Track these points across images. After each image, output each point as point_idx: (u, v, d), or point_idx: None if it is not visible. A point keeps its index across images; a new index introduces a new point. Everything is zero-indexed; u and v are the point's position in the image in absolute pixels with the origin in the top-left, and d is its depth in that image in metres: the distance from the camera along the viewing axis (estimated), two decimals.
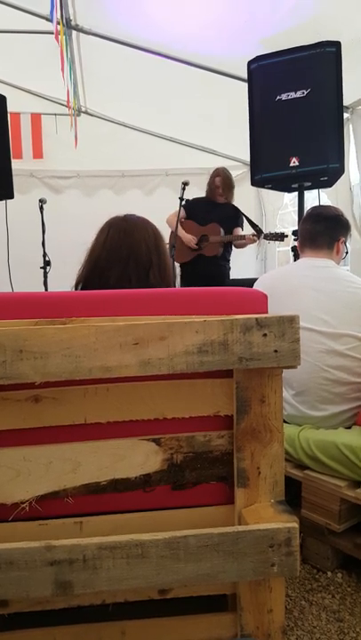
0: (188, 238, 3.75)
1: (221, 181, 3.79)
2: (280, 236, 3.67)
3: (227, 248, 3.90)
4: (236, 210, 3.91)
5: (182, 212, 3.81)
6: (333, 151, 2.46)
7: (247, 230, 3.81)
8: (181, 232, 3.72)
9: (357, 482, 1.53)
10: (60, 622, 0.96)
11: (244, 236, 3.73)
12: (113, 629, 0.96)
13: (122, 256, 1.28)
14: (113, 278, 1.26)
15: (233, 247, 3.95)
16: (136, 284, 1.25)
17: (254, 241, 3.69)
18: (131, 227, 1.32)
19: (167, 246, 1.41)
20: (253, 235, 3.68)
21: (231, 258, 4.03)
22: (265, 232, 3.72)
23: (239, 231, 3.86)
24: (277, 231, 3.73)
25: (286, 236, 3.79)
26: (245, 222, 3.87)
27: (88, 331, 0.84)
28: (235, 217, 3.88)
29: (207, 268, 3.79)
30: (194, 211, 3.82)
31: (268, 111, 2.56)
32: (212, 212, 3.78)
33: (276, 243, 5.30)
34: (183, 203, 3.78)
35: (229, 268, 4.04)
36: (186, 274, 3.92)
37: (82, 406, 0.94)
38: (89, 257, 1.33)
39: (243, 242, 3.77)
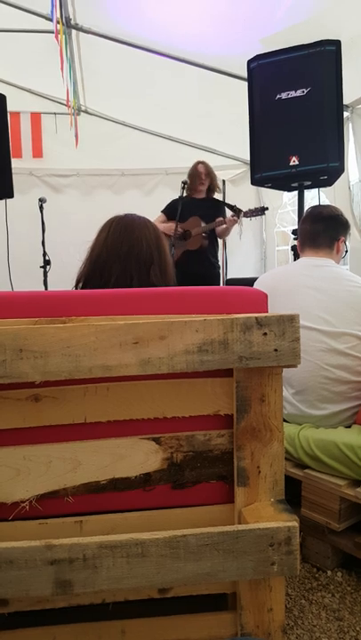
0: (167, 226, 3.65)
1: (204, 168, 3.76)
2: (260, 210, 3.62)
3: (212, 242, 3.82)
4: (215, 201, 3.86)
5: (162, 217, 3.79)
6: (333, 150, 2.46)
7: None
8: (161, 226, 3.69)
9: (357, 481, 1.53)
10: (60, 621, 0.96)
11: (224, 219, 3.66)
12: (113, 628, 0.97)
13: (122, 253, 1.28)
14: (114, 276, 1.26)
15: (218, 240, 3.89)
16: (137, 282, 1.25)
17: (235, 221, 3.62)
18: (131, 225, 1.33)
19: (167, 246, 1.41)
20: (233, 215, 3.62)
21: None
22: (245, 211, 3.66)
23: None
24: (256, 207, 3.69)
25: (267, 208, 3.73)
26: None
27: (88, 330, 0.84)
28: (215, 208, 3.81)
29: (195, 267, 3.70)
30: (174, 211, 3.74)
31: (267, 110, 2.56)
32: (192, 209, 3.69)
33: (276, 242, 5.31)
34: (163, 208, 3.81)
35: (219, 267, 3.97)
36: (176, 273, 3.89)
37: (82, 405, 0.93)
38: (90, 255, 1.33)
39: (224, 226, 3.71)
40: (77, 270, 1.34)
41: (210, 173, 3.79)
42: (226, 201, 4.96)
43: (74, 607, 0.96)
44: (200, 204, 3.76)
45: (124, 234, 1.30)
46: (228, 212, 3.76)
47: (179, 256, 3.72)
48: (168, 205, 3.86)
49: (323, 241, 1.85)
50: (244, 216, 3.62)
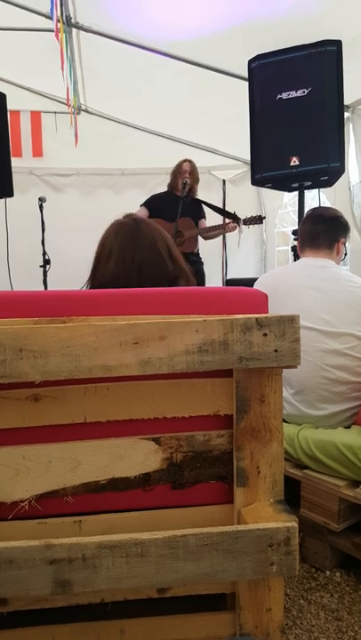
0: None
1: (189, 166, 3.72)
2: (258, 219, 3.58)
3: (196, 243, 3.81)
4: (199, 201, 3.81)
5: (144, 211, 3.71)
6: (334, 150, 2.46)
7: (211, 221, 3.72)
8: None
9: (356, 481, 1.53)
10: (60, 621, 0.96)
11: (224, 225, 3.61)
12: (112, 628, 0.97)
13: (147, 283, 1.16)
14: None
15: (200, 241, 3.86)
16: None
17: (235, 228, 3.58)
18: (144, 231, 1.21)
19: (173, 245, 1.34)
20: (232, 222, 3.58)
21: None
22: (244, 219, 3.62)
23: (204, 223, 3.77)
24: (254, 215, 3.65)
25: (264, 217, 3.68)
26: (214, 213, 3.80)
27: (88, 330, 0.84)
28: (198, 209, 3.78)
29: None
30: (157, 208, 3.68)
31: (268, 110, 2.56)
32: (177, 206, 3.58)
33: (276, 242, 5.31)
34: (142, 202, 3.76)
35: (203, 263, 3.93)
36: None
37: (82, 405, 0.93)
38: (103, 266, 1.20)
39: (219, 231, 3.67)
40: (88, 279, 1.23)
41: (193, 173, 3.75)
42: (225, 202, 4.93)
43: (73, 607, 0.96)
44: (185, 203, 3.65)
45: (141, 268, 1.17)
46: (209, 212, 3.71)
47: None
48: (149, 200, 3.80)
49: (323, 242, 1.86)
50: (243, 224, 3.58)
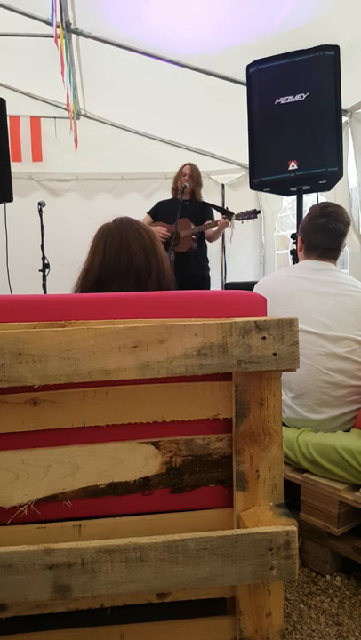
0: (157, 229, 3.63)
1: (189, 169, 3.72)
2: (252, 213, 3.56)
3: (201, 245, 3.78)
4: (204, 204, 3.81)
5: (148, 218, 3.77)
6: (332, 155, 2.47)
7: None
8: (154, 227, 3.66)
9: (356, 485, 1.53)
10: (59, 626, 0.96)
11: (216, 221, 3.61)
12: (112, 633, 0.96)
13: (121, 270, 1.24)
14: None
15: (206, 243, 3.85)
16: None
17: (227, 224, 3.57)
18: (126, 236, 1.28)
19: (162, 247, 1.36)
20: (224, 218, 3.56)
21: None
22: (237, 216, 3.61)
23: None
24: (248, 209, 3.63)
25: (259, 211, 3.66)
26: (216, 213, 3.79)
27: (87, 333, 0.84)
28: (203, 211, 3.77)
29: (184, 269, 3.61)
30: (160, 213, 3.74)
31: (266, 115, 2.57)
32: (181, 211, 3.60)
33: (275, 246, 5.31)
34: (148, 210, 3.79)
35: (209, 269, 3.92)
36: None
37: (81, 409, 0.93)
38: (85, 276, 1.28)
39: (215, 229, 3.67)
40: (72, 287, 1.30)
41: (193, 176, 3.75)
42: (224, 205, 4.94)
43: (72, 612, 0.95)
44: (188, 206, 3.68)
45: (120, 249, 1.26)
46: (217, 215, 3.71)
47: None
48: (154, 207, 3.85)
49: (333, 254, 1.86)
50: (235, 219, 3.57)
